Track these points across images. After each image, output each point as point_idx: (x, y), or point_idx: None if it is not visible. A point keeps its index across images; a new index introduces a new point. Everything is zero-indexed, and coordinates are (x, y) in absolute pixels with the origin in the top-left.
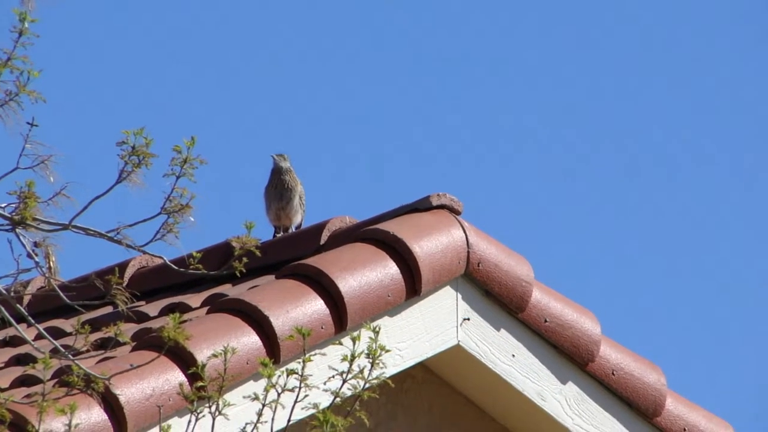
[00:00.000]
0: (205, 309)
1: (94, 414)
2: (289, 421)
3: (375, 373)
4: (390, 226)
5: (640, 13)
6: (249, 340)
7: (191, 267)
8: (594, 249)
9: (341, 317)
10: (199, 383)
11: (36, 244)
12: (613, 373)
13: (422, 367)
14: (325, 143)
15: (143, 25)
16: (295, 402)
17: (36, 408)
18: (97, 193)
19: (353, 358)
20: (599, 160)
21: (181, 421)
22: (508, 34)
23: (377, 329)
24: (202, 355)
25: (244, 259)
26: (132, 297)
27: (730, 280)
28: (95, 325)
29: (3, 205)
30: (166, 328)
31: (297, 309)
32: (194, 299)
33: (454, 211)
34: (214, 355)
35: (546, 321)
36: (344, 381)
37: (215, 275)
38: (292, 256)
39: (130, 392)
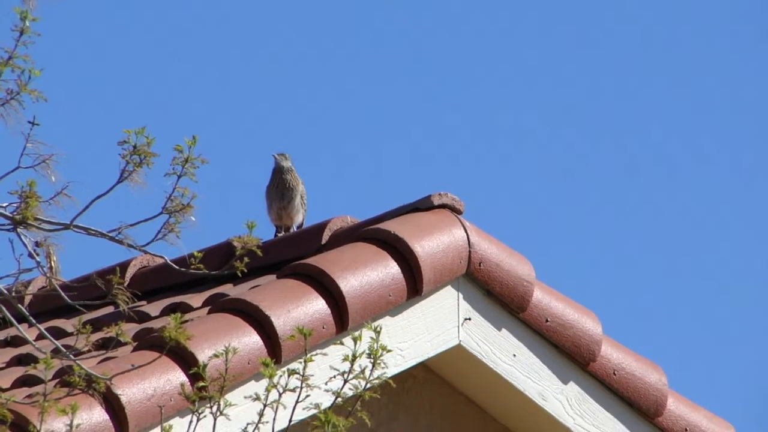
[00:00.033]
0: (207, 309)
1: (96, 414)
2: (290, 421)
3: (376, 373)
4: (391, 226)
5: (640, 13)
6: (250, 340)
7: (192, 267)
8: (594, 249)
9: (342, 317)
10: (201, 383)
11: (37, 244)
12: (614, 373)
13: (423, 367)
14: (326, 143)
15: (144, 24)
16: (297, 402)
17: (37, 408)
18: (98, 193)
19: (354, 358)
20: (599, 160)
21: (182, 422)
22: (508, 34)
23: (378, 329)
24: (203, 355)
25: (246, 259)
26: (133, 297)
27: (730, 280)
28: (96, 325)
29: (4, 205)
30: (168, 328)
31: (298, 309)
32: (195, 299)
33: (455, 211)
34: (216, 355)
35: (547, 321)
36: (345, 381)
37: (216, 275)
38: (294, 256)
39: (131, 392)
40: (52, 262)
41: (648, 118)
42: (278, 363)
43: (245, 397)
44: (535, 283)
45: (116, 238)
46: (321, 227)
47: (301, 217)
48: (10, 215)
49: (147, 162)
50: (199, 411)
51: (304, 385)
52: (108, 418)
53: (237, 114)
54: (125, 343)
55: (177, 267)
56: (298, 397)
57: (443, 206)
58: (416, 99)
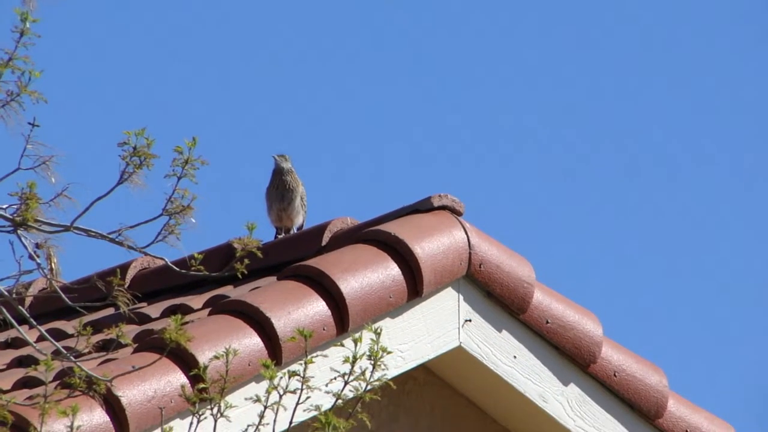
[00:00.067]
0: (207, 310)
1: (96, 416)
2: (290, 423)
3: (376, 375)
4: (391, 227)
5: (640, 13)
6: (251, 342)
7: (193, 268)
8: (594, 249)
9: (343, 319)
10: (201, 385)
11: (37, 246)
12: (614, 375)
13: (424, 368)
14: (326, 143)
15: (144, 25)
16: (297, 404)
17: (38, 410)
18: (98, 194)
19: (355, 359)
20: (599, 160)
21: (182, 423)
22: (508, 34)
23: (379, 331)
24: (203, 356)
25: (246, 261)
26: (133, 298)
27: (730, 280)
28: (97, 326)
29: (4, 207)
30: (168, 329)
31: (298, 310)
32: (196, 301)
33: (455, 212)
34: (216, 357)
35: (548, 322)
36: (346, 383)
37: (217, 277)
38: (294, 258)
39: (131, 394)
40: (53, 264)
41: (648, 118)
42: (279, 365)
43: (246, 399)
44: (536, 285)
45: (116, 239)
46: (321, 229)
47: (301, 218)
48: (11, 217)
49: (147, 163)
50: (200, 413)
51: (304, 386)
52: (108, 419)
53: (237, 115)
54: (126, 345)
55: (177, 269)
56: (299, 398)
57: (443, 208)
58: (416, 99)
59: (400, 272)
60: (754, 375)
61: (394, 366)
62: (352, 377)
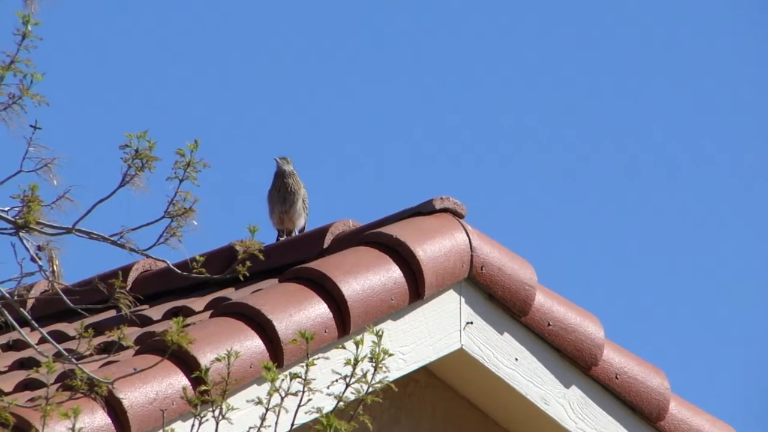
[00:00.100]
0: (209, 313)
1: (98, 418)
2: (292, 425)
3: (378, 377)
4: (393, 230)
5: (640, 13)
6: (252, 344)
7: (194, 271)
8: (594, 249)
9: (344, 321)
10: (203, 387)
11: (39, 248)
12: (616, 377)
13: (425, 371)
14: (326, 144)
15: (145, 27)
16: (299, 406)
17: (39, 412)
18: (100, 197)
19: (356, 362)
20: (599, 160)
21: (184, 425)
22: (508, 34)
23: (380, 333)
24: (205, 359)
25: (248, 263)
26: (135, 301)
27: (730, 280)
28: (98, 328)
29: (6, 209)
30: (170, 331)
31: (300, 313)
32: (197, 303)
33: (457, 215)
34: (218, 359)
35: (549, 325)
36: (347, 385)
37: (218, 279)
38: (296, 260)
39: (133, 396)
40: (54, 266)
41: (648, 118)
42: (280, 367)
43: (247, 401)
44: (537, 287)
45: (118, 242)
46: (323, 231)
47: (303, 221)
48: (13, 219)
49: (149, 166)
50: (201, 415)
51: (306, 389)
52: (110, 421)
53: (238, 116)
54: (127, 347)
55: (179, 271)
56: (300, 401)
57: (445, 210)
58: (416, 99)
59: (401, 274)
60: (754, 375)
61: (396, 368)
62: (353, 379)
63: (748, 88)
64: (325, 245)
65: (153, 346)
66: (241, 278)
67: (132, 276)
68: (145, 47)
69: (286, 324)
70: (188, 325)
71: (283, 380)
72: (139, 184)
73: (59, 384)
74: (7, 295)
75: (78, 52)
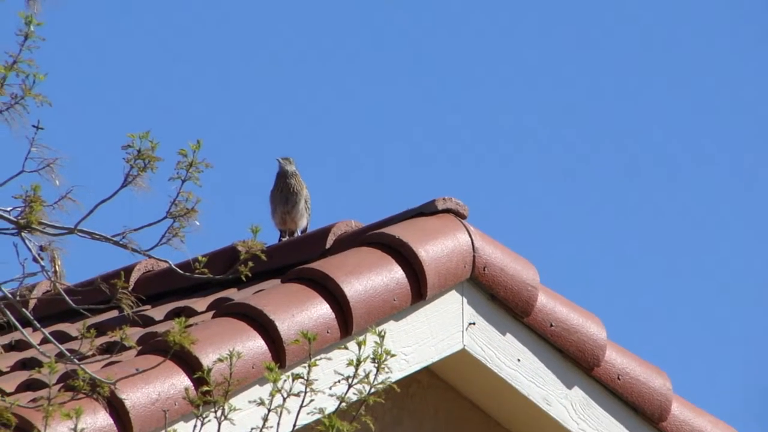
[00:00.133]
0: (211, 313)
1: (100, 418)
2: (294, 425)
3: (380, 378)
4: (395, 230)
5: (640, 13)
6: (254, 345)
7: (197, 271)
8: (594, 249)
9: (347, 321)
10: (205, 388)
11: (41, 248)
12: (618, 378)
13: (428, 371)
14: (326, 144)
15: (146, 28)
16: (301, 407)
17: (41, 412)
18: (102, 197)
19: (359, 362)
20: (599, 160)
21: (186, 426)
22: (508, 34)
23: (383, 334)
24: (207, 359)
25: (250, 263)
26: (137, 301)
27: (730, 280)
28: (101, 329)
29: (8, 209)
30: (172, 332)
31: (302, 313)
32: (200, 303)
33: (459, 215)
34: (220, 360)
35: (552, 325)
36: (350, 386)
37: (221, 279)
38: (298, 260)
39: (135, 396)
40: (57, 267)
41: (648, 118)
42: (282, 367)
43: (249, 402)
44: (540, 288)
45: (120, 242)
46: (325, 232)
47: (305, 221)
48: (15, 219)
49: (151, 166)
50: (204, 415)
51: (308, 389)
52: (112, 422)
53: (239, 117)
54: (129, 348)
55: (181, 271)
56: (303, 401)
57: (447, 211)
58: (416, 99)
59: (404, 275)
60: (754, 375)
61: (398, 369)
62: (355, 380)
63: (748, 88)
64: (328, 246)
65: (155, 346)
66: (244, 279)
67: (134, 276)
68: (147, 47)
69: (288, 324)
70: (190, 325)
71: (285, 381)
72: (141, 185)
73: (61, 384)
74: (10, 296)
75: (80, 53)
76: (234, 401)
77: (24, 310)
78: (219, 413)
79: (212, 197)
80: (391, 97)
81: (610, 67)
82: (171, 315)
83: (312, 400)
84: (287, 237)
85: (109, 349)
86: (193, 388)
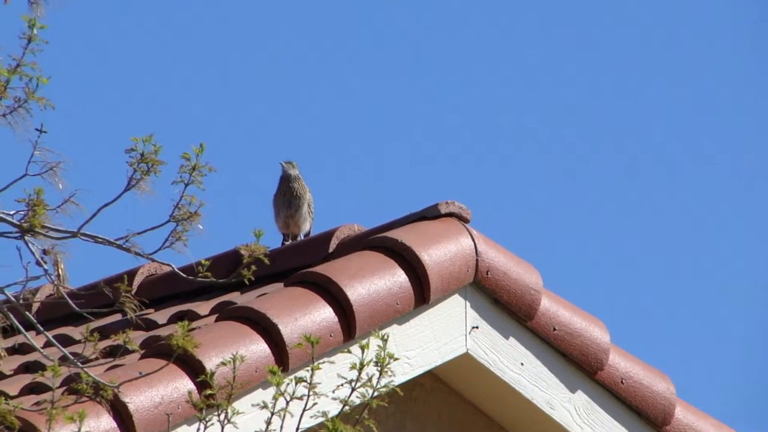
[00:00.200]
0: (214, 317)
1: (103, 422)
2: (297, 429)
3: (383, 382)
4: (398, 234)
5: (640, 13)
6: (257, 348)
7: (200, 275)
8: (594, 249)
9: (350, 325)
10: (208, 391)
11: (45, 252)
12: (622, 382)
13: (431, 375)
14: (326, 145)
15: (148, 29)
16: (304, 410)
17: (45, 416)
18: (105, 201)
19: (362, 366)
20: (599, 160)
21: (189, 429)
22: (508, 34)
23: (386, 337)
24: (210, 363)
25: (253, 267)
26: (141, 305)
27: (730, 280)
28: (104, 332)
29: (12, 213)
30: (175, 335)
31: (305, 317)
32: (203, 307)
33: (462, 219)
34: (223, 363)
35: (555, 329)
36: (353, 389)
37: (224, 283)
38: (301, 264)
39: (139, 400)
40: (60, 270)
41: (648, 118)
42: (285, 371)
43: (252, 405)
44: (543, 292)
45: (124, 246)
46: (328, 235)
47: (308, 225)
48: (18, 223)
49: (154, 170)
50: (207, 419)
51: (311, 393)
52: (116, 425)
53: (241, 118)
54: (133, 351)
55: (184, 275)
56: (306, 405)
57: (450, 215)
58: (416, 99)
59: (407, 279)
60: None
61: (401, 372)
62: (359, 384)
63: (748, 88)
64: (331, 249)
65: (158, 350)
66: (247, 282)
67: (137, 280)
68: (148, 49)
69: (291, 328)
70: (194, 329)
71: (288, 384)
72: (144, 188)
73: (65, 388)
74: (13, 299)
75: (82, 56)
76: (237, 405)
77: (27, 313)
78: (222, 417)
79: (215, 200)
80: (391, 97)
81: (610, 67)
82: (174, 318)
83: (315, 404)
84: (290, 241)
85: (113, 352)
86: (196, 391)
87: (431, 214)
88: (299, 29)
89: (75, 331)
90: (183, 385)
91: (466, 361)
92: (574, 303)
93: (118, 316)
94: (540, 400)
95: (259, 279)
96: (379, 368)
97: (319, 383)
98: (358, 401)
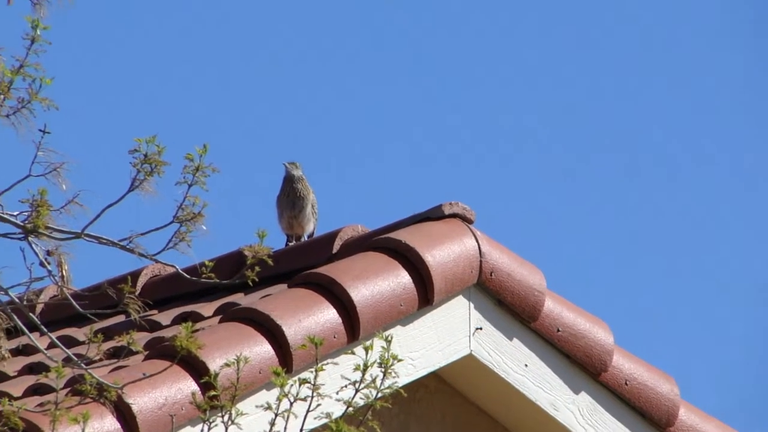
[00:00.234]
0: (218, 318)
1: (107, 423)
2: (301, 430)
3: (387, 383)
4: (402, 235)
5: (640, 13)
6: (261, 350)
7: (203, 276)
8: (594, 249)
9: (354, 326)
10: (212, 392)
11: (48, 253)
12: (626, 383)
13: (435, 376)
14: (325, 145)
15: (152, 31)
16: (308, 411)
17: (49, 417)
18: (109, 202)
19: (366, 367)
20: (599, 160)
21: (193, 431)
22: (508, 34)
23: (389, 338)
24: (214, 364)
25: (257, 268)
26: (144, 306)
27: (730, 280)
28: (108, 334)
29: (15, 214)
30: (179, 337)
31: (309, 318)
32: (206, 308)
33: (466, 220)
34: (227, 365)
35: (559, 330)
36: (357, 390)
37: (227, 284)
38: (305, 265)
39: (142, 401)
40: (64, 271)
41: (648, 118)
42: (289, 372)
43: (256, 407)
44: (547, 293)
45: (127, 247)
46: (332, 236)
47: (312, 226)
48: (22, 224)
49: (158, 171)
50: (211, 420)
51: (315, 394)
52: (119, 426)
53: (242, 118)
54: (136, 352)
55: (188, 276)
56: (309, 406)
57: (454, 216)
58: (416, 99)
59: (410, 280)
60: (754, 375)
61: (405, 374)
62: (362, 385)
63: (748, 88)
64: (334, 250)
65: (162, 351)
66: (250, 283)
67: (141, 281)
68: (152, 51)
69: (295, 329)
70: (197, 330)
71: (292, 385)
72: (148, 189)
73: (68, 389)
74: (17, 300)
75: (86, 57)
76: (241, 406)
77: (31, 314)
78: (226, 418)
79: (218, 201)
80: (391, 97)
81: (610, 67)
82: (178, 320)
83: (319, 405)
84: (294, 242)
85: (116, 353)
86: (200, 392)
87: (435, 215)
88: (299, 29)
89: (79, 332)
90: (187, 386)
91: (469, 362)
92: (574, 303)
93: (121, 317)
94: (544, 401)
95: (263, 280)
96: (382, 369)
97: (323, 384)
98: (362, 402)
